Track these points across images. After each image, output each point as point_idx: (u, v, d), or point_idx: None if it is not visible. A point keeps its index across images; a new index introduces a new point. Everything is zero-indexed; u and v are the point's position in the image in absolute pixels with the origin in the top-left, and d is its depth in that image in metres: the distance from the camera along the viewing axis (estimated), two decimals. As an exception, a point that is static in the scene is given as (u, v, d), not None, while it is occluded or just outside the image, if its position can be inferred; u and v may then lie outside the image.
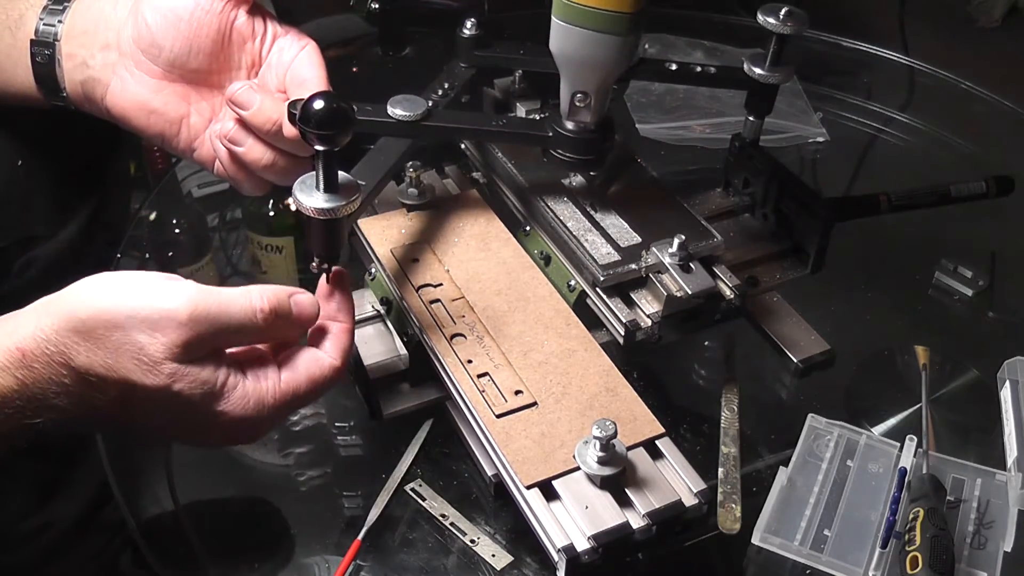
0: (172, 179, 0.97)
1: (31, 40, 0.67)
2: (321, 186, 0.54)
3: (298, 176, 0.57)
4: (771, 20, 0.69)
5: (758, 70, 0.72)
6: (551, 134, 0.67)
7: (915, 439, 0.66)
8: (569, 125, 0.66)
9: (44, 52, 0.67)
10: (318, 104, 0.50)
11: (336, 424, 0.71)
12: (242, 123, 0.63)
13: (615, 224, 0.70)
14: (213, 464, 0.69)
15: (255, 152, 0.64)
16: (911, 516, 0.59)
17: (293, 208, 0.58)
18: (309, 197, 0.54)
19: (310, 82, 0.65)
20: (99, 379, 0.51)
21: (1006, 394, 0.71)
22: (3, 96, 0.71)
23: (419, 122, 0.66)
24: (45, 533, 0.81)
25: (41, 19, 0.66)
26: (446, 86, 0.75)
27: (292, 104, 0.61)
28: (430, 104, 0.67)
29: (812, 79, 1.07)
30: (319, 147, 0.52)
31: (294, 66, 0.66)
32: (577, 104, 0.64)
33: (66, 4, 0.67)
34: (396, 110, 0.66)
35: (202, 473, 0.68)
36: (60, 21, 0.67)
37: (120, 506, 0.65)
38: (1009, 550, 0.61)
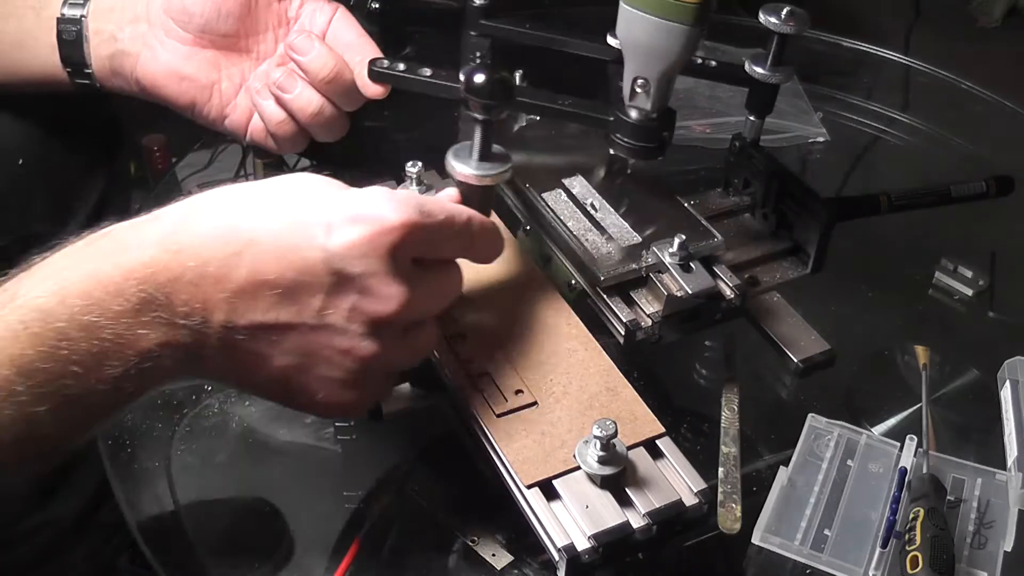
0: (172, 179, 0.97)
1: (58, 18, 0.68)
2: (476, 155, 0.57)
3: (338, 130, 0.65)
4: (772, 20, 0.69)
5: (759, 70, 0.72)
6: (612, 119, 0.67)
7: (915, 439, 0.66)
8: (632, 113, 0.66)
9: (71, 29, 0.68)
10: (484, 76, 0.54)
11: (336, 424, 0.71)
12: (291, 72, 0.66)
13: (615, 224, 0.70)
14: (213, 464, 0.69)
15: (304, 97, 0.66)
16: (911, 516, 0.59)
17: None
18: (465, 165, 0.57)
19: (355, 44, 0.68)
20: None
21: (1006, 394, 0.71)
22: (23, 78, 0.72)
23: None
24: (44, 532, 0.81)
25: None
26: (478, 55, 0.75)
27: (373, 62, 0.66)
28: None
29: (812, 79, 1.07)
30: (480, 116, 0.55)
31: (333, 29, 0.69)
32: (637, 90, 0.64)
33: None
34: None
35: (202, 473, 0.68)
36: None
37: (120, 505, 0.65)
38: (1009, 550, 0.61)
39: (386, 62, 0.68)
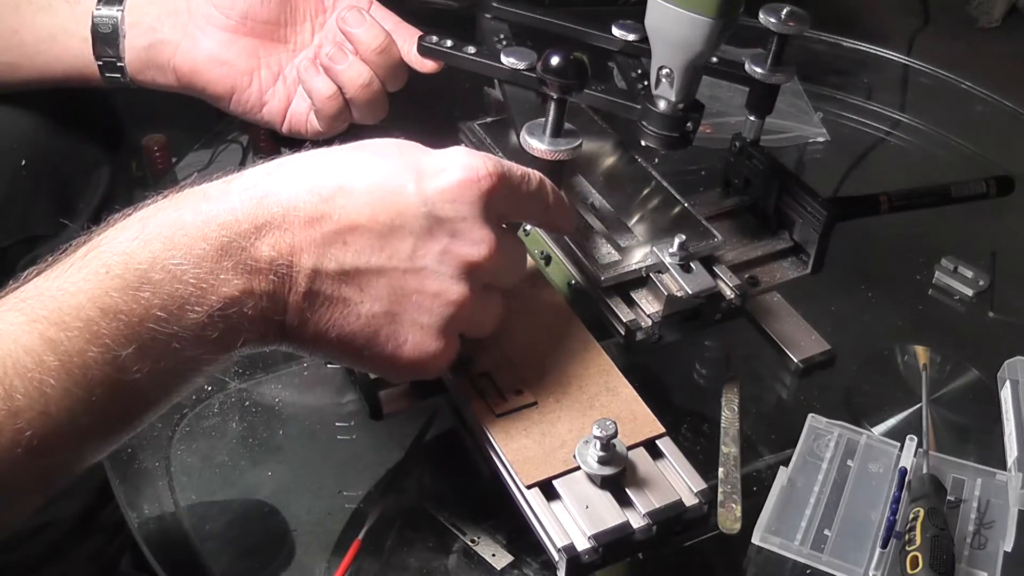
0: (172, 179, 0.97)
1: (94, 12, 0.69)
2: (549, 131, 0.61)
3: (380, 110, 0.69)
4: (772, 20, 0.69)
5: (758, 70, 0.72)
6: (640, 106, 0.68)
7: (915, 439, 0.66)
8: (660, 103, 0.66)
9: (107, 23, 0.69)
10: (561, 58, 0.58)
11: (336, 424, 0.71)
12: (342, 45, 0.69)
13: (615, 224, 0.70)
14: (213, 464, 0.69)
15: (354, 69, 0.69)
16: (911, 516, 0.59)
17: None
18: (539, 141, 0.61)
19: (395, 29, 0.71)
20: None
21: (1006, 394, 0.71)
22: (52, 73, 0.72)
23: (525, 71, 0.68)
24: (45, 533, 0.81)
25: None
26: (501, 37, 0.76)
27: (422, 38, 0.71)
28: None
29: (812, 79, 1.07)
30: (556, 95, 0.59)
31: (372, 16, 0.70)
32: (662, 80, 0.65)
33: None
34: (509, 59, 0.68)
35: (202, 473, 0.68)
36: None
37: (120, 506, 0.65)
38: (1009, 550, 0.61)
39: (435, 38, 0.71)
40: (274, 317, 0.48)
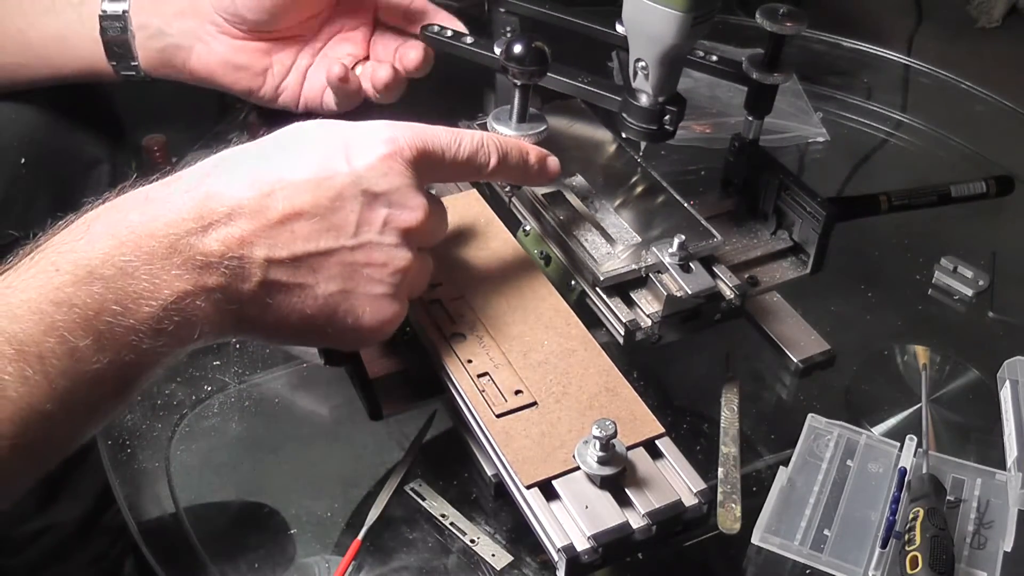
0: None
1: (100, 15, 0.70)
2: (516, 117, 0.64)
3: (397, 90, 0.74)
4: (769, 21, 0.69)
5: (756, 70, 0.72)
6: (621, 98, 0.70)
7: (915, 439, 0.66)
8: (641, 96, 0.68)
9: (115, 25, 0.70)
10: (522, 45, 0.61)
11: (336, 424, 0.71)
12: None
13: (615, 224, 0.70)
14: (213, 464, 0.69)
15: (383, 70, 0.74)
16: (911, 516, 0.59)
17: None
18: (505, 127, 0.64)
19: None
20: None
21: (1006, 394, 0.71)
22: (66, 72, 0.73)
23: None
24: (47, 536, 0.81)
25: None
26: (508, 29, 0.79)
27: (425, 27, 0.74)
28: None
29: (812, 79, 1.07)
30: (519, 82, 0.62)
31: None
32: (639, 72, 0.67)
33: None
34: (501, 49, 0.69)
35: (202, 473, 0.68)
36: None
37: (121, 508, 0.65)
38: (1009, 550, 0.61)
39: (436, 27, 0.75)
40: (229, 308, 0.50)
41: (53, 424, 0.45)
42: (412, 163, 0.54)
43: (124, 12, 0.70)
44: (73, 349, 0.45)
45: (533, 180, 0.64)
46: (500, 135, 0.63)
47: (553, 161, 0.63)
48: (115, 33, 0.70)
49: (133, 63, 0.72)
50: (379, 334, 0.56)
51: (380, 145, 0.53)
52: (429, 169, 0.56)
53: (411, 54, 0.75)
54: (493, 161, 0.59)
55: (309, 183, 0.51)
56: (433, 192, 0.72)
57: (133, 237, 0.47)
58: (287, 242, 0.50)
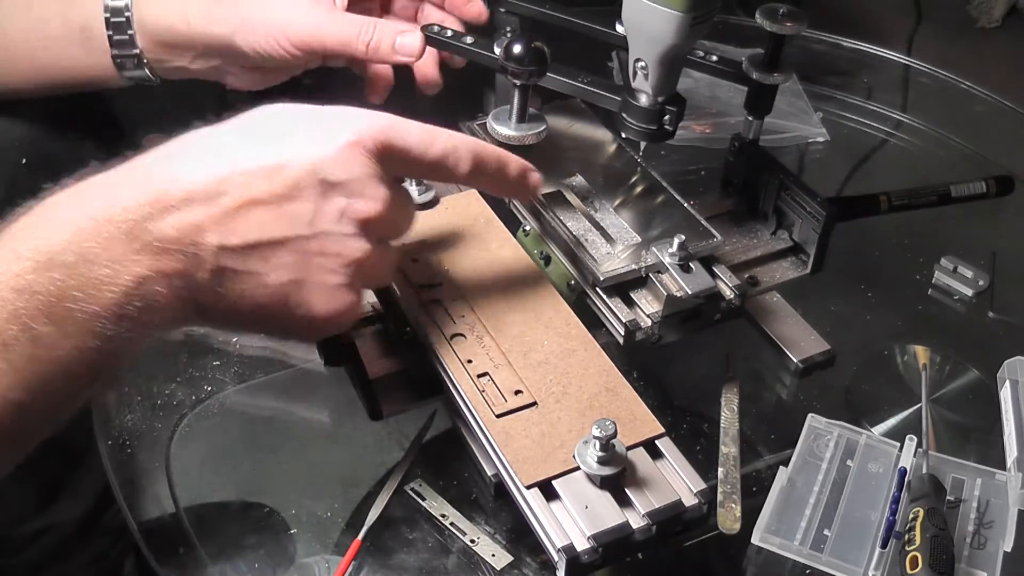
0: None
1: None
2: (514, 116, 0.64)
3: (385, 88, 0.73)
4: (769, 21, 0.69)
5: (756, 70, 0.72)
6: (621, 98, 0.70)
7: (915, 439, 0.66)
8: (640, 96, 0.68)
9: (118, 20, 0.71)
10: (522, 45, 0.61)
11: (336, 424, 0.71)
12: None
13: (615, 224, 0.70)
14: (213, 464, 0.69)
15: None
16: (911, 516, 0.59)
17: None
18: (505, 127, 0.65)
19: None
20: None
21: (1006, 394, 0.71)
22: (46, 76, 0.73)
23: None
24: (46, 536, 0.81)
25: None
26: (509, 29, 0.79)
27: (426, 27, 0.73)
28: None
29: (812, 79, 1.07)
30: (518, 82, 0.63)
31: None
32: (638, 72, 0.67)
33: None
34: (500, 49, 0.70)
35: (202, 473, 0.68)
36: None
37: (120, 507, 0.65)
38: (1009, 550, 0.61)
39: (436, 27, 0.74)
40: (187, 295, 0.49)
41: (23, 411, 0.45)
42: (375, 154, 0.53)
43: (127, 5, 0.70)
44: (36, 336, 0.45)
45: (511, 192, 0.63)
46: (483, 141, 0.61)
47: (535, 177, 0.61)
48: (120, 19, 0.71)
49: (134, 52, 0.72)
50: (333, 325, 0.55)
51: (342, 133, 0.52)
52: (394, 163, 0.54)
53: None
54: (464, 167, 0.57)
55: (265, 171, 0.50)
56: (433, 193, 0.73)
57: (93, 223, 0.47)
58: (240, 230, 0.50)
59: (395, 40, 0.71)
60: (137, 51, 0.72)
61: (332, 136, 0.52)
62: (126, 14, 0.71)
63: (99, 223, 0.47)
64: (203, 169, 0.50)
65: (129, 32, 0.71)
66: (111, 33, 0.71)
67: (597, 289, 0.67)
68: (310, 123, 0.53)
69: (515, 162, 0.60)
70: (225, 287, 0.51)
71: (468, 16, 0.77)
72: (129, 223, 0.47)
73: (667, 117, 0.68)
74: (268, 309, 0.53)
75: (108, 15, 0.71)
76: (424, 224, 0.71)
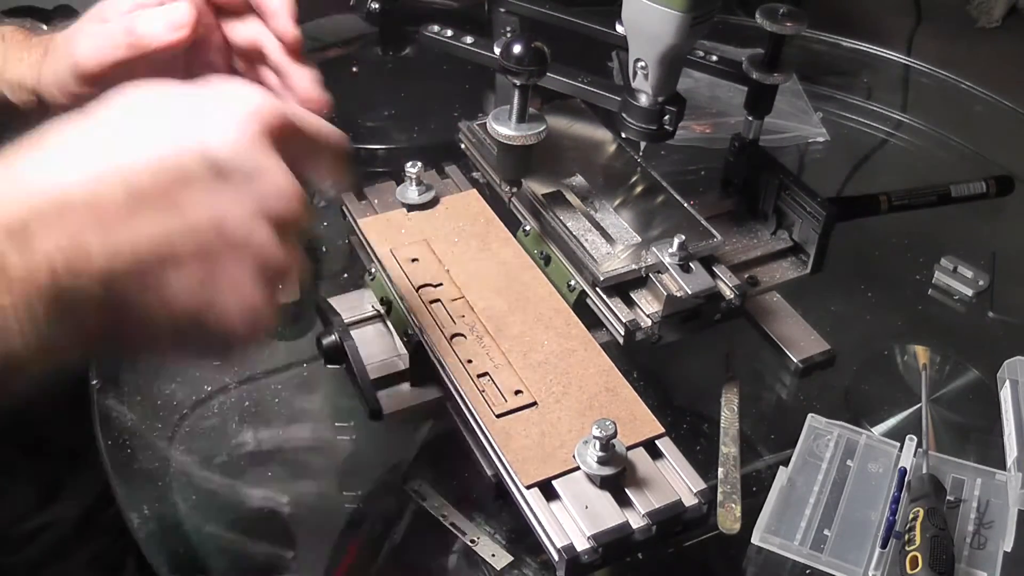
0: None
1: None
2: (514, 116, 0.64)
3: None
4: (769, 21, 0.69)
5: (756, 70, 0.72)
6: (621, 98, 0.70)
7: (915, 439, 0.66)
8: (640, 96, 0.68)
9: None
10: (521, 46, 0.61)
11: (336, 424, 0.71)
12: None
13: (615, 224, 0.70)
14: (213, 465, 0.69)
15: None
16: (911, 516, 0.59)
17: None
18: (504, 127, 0.65)
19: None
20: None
21: (1006, 394, 0.71)
22: None
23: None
24: (46, 534, 0.81)
25: None
26: (508, 29, 0.80)
27: (425, 28, 0.74)
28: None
29: (812, 79, 1.07)
30: (518, 82, 0.62)
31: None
32: (638, 72, 0.67)
33: None
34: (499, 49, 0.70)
35: (202, 473, 0.68)
36: None
37: (121, 507, 0.65)
38: (1009, 550, 0.61)
39: (435, 27, 0.75)
40: (71, 322, 0.40)
41: None
42: (274, 131, 0.44)
43: None
44: None
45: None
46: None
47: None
48: None
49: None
50: (251, 335, 0.46)
51: (233, 107, 0.44)
52: (294, 144, 0.46)
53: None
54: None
55: (151, 162, 0.42)
56: (433, 193, 0.72)
57: None
58: (132, 238, 0.41)
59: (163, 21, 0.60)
60: None
61: (225, 115, 0.44)
62: None
63: None
64: (76, 168, 0.41)
65: None
66: None
67: (597, 289, 0.67)
68: (194, 102, 0.44)
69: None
70: (122, 307, 0.42)
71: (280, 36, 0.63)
72: None
73: (667, 117, 0.68)
74: (178, 323, 0.43)
75: None
76: (424, 224, 0.71)
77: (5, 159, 0.41)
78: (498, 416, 0.58)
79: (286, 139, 0.45)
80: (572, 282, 0.68)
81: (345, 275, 0.80)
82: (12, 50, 0.65)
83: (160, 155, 0.42)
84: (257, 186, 0.43)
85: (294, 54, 0.62)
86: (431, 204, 0.73)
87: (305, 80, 0.61)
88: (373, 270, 0.69)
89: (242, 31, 0.63)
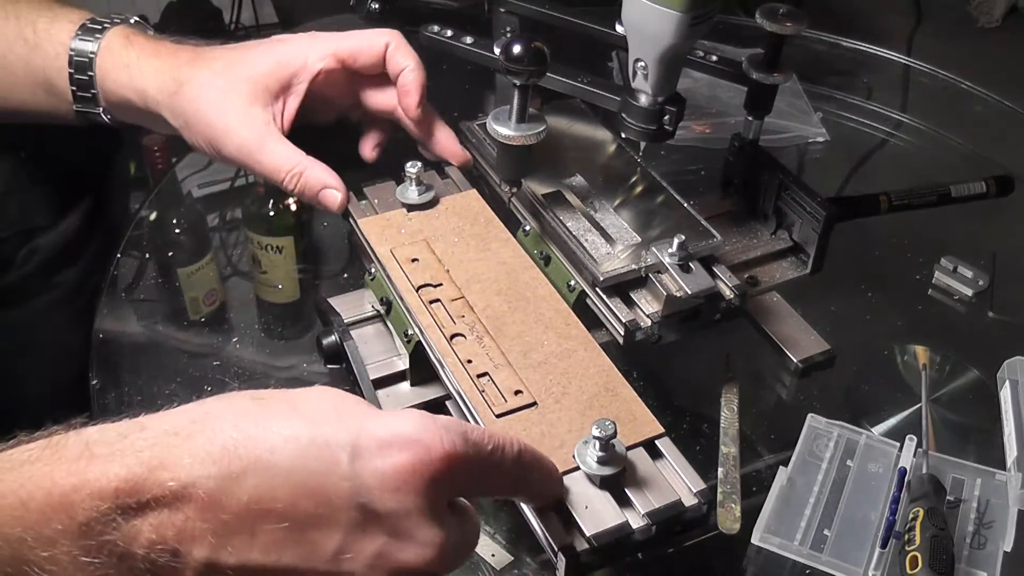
0: (172, 179, 0.97)
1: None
2: (515, 117, 0.64)
3: None
4: (769, 21, 0.69)
5: (756, 70, 0.72)
6: (621, 98, 0.70)
7: (915, 439, 0.66)
8: (640, 96, 0.68)
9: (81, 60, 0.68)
10: (521, 46, 0.61)
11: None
12: None
13: (615, 224, 0.70)
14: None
15: None
16: (911, 516, 0.59)
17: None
18: (504, 127, 0.64)
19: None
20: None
21: (1006, 394, 0.71)
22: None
23: None
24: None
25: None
26: (508, 29, 0.80)
27: (425, 28, 0.75)
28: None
29: (812, 79, 1.07)
30: (518, 82, 0.62)
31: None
32: (638, 72, 0.67)
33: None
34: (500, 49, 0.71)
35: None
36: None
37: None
38: (1009, 550, 0.61)
39: (436, 28, 0.75)
40: None
41: None
42: (440, 481, 0.41)
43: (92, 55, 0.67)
44: None
45: (537, 493, 0.51)
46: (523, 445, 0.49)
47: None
48: (81, 89, 0.68)
49: (96, 110, 0.69)
50: None
51: (404, 450, 0.40)
52: (464, 483, 0.43)
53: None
54: (531, 472, 0.48)
55: (294, 475, 0.39)
56: (433, 193, 0.72)
57: (47, 509, 0.37)
58: (241, 546, 0.38)
59: (319, 192, 0.68)
60: (99, 109, 0.69)
61: (390, 448, 0.40)
62: (89, 73, 0.68)
63: (54, 510, 0.37)
64: (213, 456, 0.39)
65: (92, 91, 0.68)
66: (75, 89, 0.68)
67: (597, 289, 0.67)
68: (367, 426, 0.41)
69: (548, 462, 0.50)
70: None
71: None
72: (91, 515, 0.37)
73: (667, 117, 0.68)
74: None
75: (72, 70, 0.68)
76: (424, 224, 0.71)
77: (161, 426, 0.40)
78: (498, 416, 0.58)
79: (456, 481, 0.42)
80: (572, 282, 0.68)
81: (345, 275, 0.81)
82: (144, 57, 0.68)
83: (307, 476, 0.39)
84: (398, 537, 0.41)
85: (422, 125, 0.72)
86: (431, 204, 0.73)
87: (444, 138, 0.73)
88: (373, 270, 0.69)
89: (380, 99, 0.73)
